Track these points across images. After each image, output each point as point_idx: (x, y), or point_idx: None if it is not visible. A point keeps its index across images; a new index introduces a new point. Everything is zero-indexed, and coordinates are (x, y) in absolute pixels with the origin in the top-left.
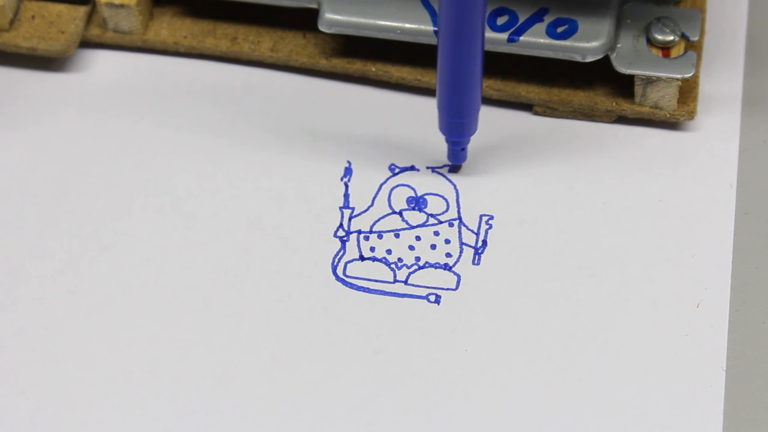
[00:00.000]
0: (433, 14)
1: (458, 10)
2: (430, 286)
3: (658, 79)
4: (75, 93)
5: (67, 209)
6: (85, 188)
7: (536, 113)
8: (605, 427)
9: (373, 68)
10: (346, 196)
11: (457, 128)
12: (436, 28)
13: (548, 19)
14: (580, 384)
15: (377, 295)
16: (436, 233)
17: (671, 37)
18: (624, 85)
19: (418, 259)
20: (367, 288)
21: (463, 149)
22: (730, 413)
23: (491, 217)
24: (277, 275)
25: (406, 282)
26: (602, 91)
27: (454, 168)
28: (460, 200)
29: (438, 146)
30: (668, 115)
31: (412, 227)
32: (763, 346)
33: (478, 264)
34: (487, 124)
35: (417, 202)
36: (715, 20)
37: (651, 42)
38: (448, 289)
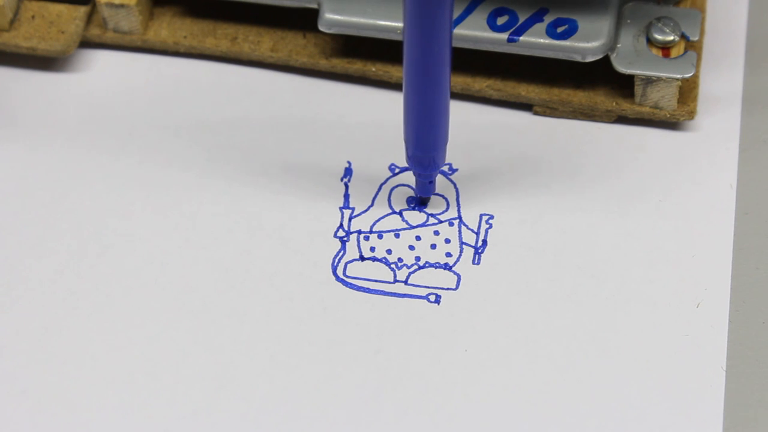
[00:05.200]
0: None
1: (424, 44)
2: (430, 286)
3: (658, 79)
4: (75, 93)
5: (67, 209)
6: (85, 188)
7: (536, 113)
8: (605, 427)
9: (373, 68)
10: (346, 196)
11: (424, 162)
12: None
13: (548, 19)
14: (580, 384)
15: (377, 295)
16: (436, 233)
17: (671, 37)
18: (624, 85)
19: (418, 258)
20: (367, 288)
21: (431, 182)
22: (730, 413)
23: (491, 217)
24: (278, 276)
25: (406, 282)
26: (602, 91)
27: (422, 200)
28: (460, 200)
29: None
30: (668, 115)
31: (412, 227)
32: (763, 346)
33: (478, 264)
34: (487, 124)
35: (417, 202)
36: (715, 20)
37: (651, 42)
38: (448, 289)
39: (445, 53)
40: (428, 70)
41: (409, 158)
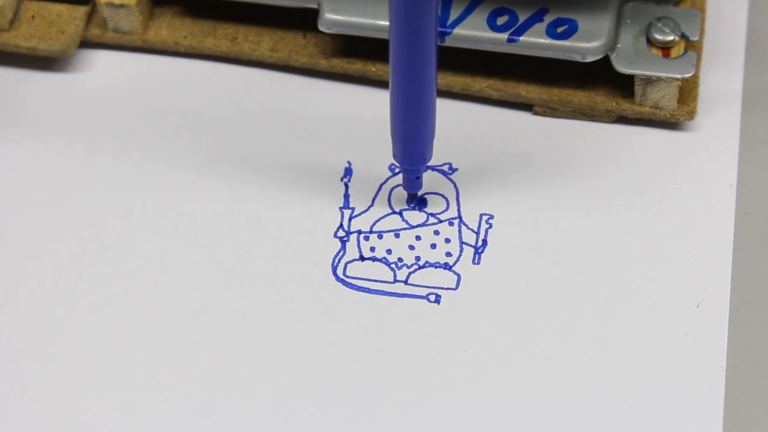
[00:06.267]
0: None
1: (410, 34)
2: (430, 285)
3: (658, 79)
4: (75, 93)
5: (67, 209)
6: (85, 188)
7: (536, 113)
8: (605, 427)
9: (373, 68)
10: (346, 196)
11: (411, 156)
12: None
13: (548, 19)
14: (580, 384)
15: (377, 295)
16: (436, 232)
17: (671, 37)
18: (624, 85)
19: (418, 258)
20: (367, 288)
21: (419, 178)
22: (730, 413)
23: (491, 217)
24: (278, 276)
25: (406, 282)
26: (602, 91)
27: (411, 197)
28: (460, 199)
29: (438, 146)
30: (668, 115)
31: (412, 227)
32: (763, 346)
33: (478, 263)
34: (487, 124)
35: (417, 202)
36: (715, 20)
37: (651, 42)
38: (448, 288)
39: (430, 43)
40: (415, 60)
41: (396, 154)
